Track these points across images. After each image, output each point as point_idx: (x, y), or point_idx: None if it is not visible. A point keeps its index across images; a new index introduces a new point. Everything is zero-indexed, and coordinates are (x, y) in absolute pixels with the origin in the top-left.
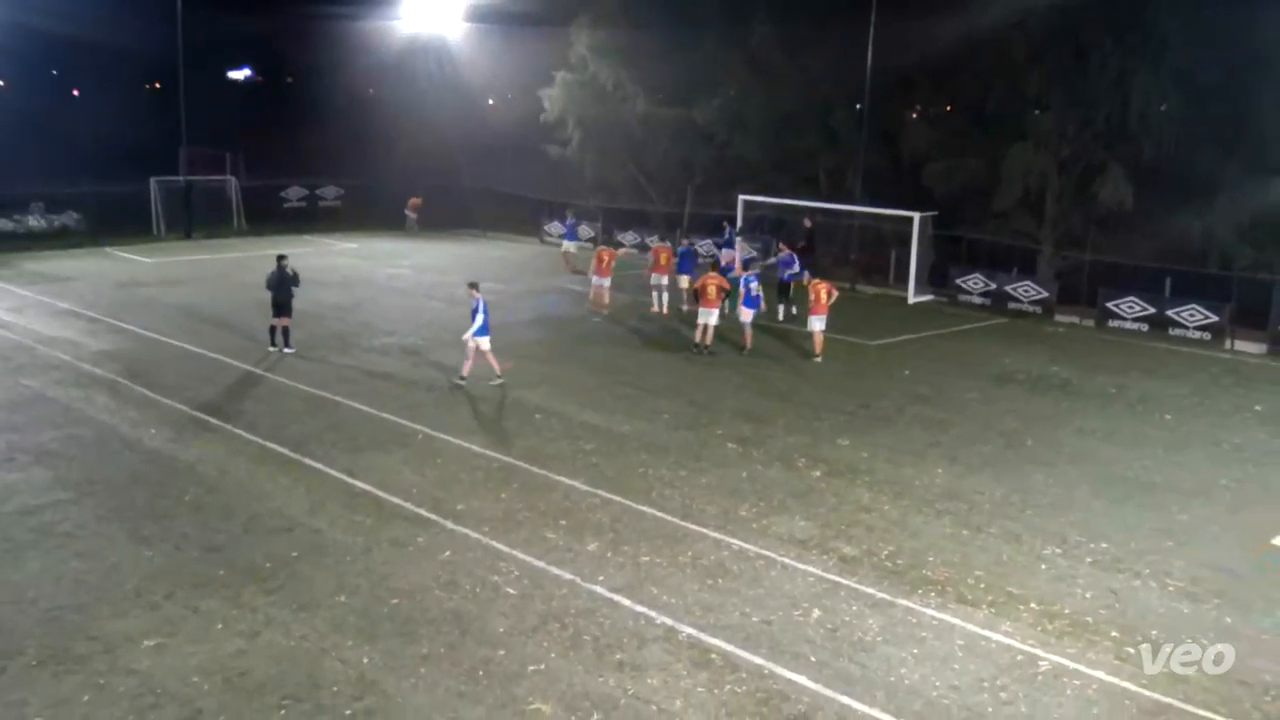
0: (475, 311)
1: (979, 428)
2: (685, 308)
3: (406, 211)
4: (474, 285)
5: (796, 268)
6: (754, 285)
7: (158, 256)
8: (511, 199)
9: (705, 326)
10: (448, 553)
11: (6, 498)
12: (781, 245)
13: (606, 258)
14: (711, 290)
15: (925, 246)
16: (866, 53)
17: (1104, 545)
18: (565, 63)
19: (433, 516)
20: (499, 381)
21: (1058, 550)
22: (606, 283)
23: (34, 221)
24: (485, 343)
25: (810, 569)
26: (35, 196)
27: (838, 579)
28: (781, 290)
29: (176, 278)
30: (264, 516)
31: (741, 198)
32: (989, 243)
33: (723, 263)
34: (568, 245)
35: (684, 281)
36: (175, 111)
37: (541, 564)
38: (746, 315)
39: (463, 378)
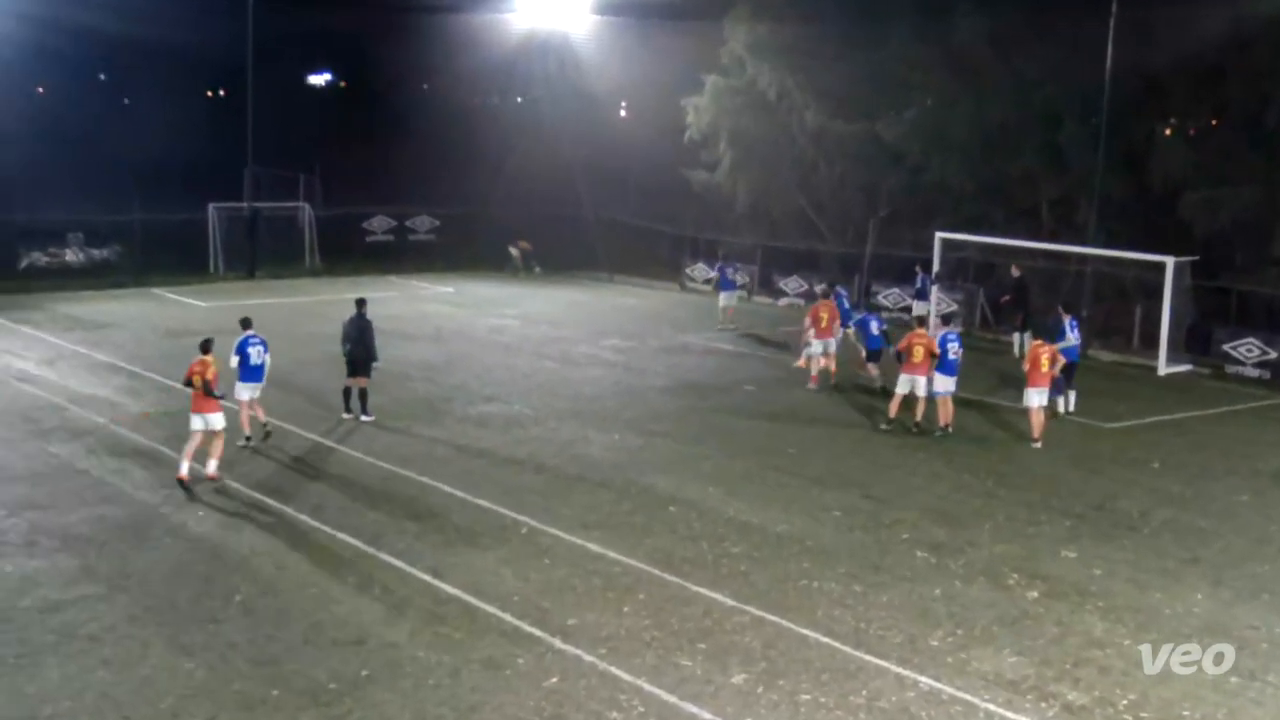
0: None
1: (1253, 541)
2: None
3: (511, 249)
4: (244, 322)
5: (877, 329)
6: (953, 345)
7: (214, 300)
8: (646, 234)
9: (913, 397)
10: (554, 679)
11: (25, 590)
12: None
13: (826, 315)
14: (919, 353)
15: (1182, 301)
16: (1105, 50)
17: None
18: (717, 65)
19: (537, 632)
20: (245, 444)
21: None
22: (822, 348)
23: (71, 256)
24: (241, 390)
25: (1023, 719)
26: (73, 226)
27: None
28: (871, 355)
29: (235, 326)
30: (328, 625)
31: (939, 235)
32: (1268, 297)
33: (915, 313)
34: (724, 299)
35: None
36: (241, 124)
37: (673, 698)
38: (945, 384)
39: (267, 432)
